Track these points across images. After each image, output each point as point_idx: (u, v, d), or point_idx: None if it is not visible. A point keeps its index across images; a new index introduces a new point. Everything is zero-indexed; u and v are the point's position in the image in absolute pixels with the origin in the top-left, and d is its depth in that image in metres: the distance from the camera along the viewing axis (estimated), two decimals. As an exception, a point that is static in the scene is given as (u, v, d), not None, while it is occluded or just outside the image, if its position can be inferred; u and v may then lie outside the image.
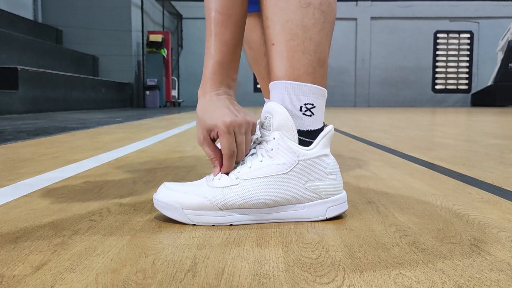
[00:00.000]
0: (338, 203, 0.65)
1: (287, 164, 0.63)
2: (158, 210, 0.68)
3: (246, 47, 1.09)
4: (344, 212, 0.68)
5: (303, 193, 0.63)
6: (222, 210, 0.62)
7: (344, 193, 0.67)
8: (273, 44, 0.67)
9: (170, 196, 0.63)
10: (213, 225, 0.62)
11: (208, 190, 0.63)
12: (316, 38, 0.66)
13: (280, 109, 0.63)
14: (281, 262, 0.48)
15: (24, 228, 0.60)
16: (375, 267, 0.47)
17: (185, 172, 1.09)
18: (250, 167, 0.63)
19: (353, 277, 0.44)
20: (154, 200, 0.65)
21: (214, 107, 0.65)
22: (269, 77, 0.69)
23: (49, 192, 0.84)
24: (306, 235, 0.58)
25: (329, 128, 0.66)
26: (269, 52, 0.68)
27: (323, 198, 0.64)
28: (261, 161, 0.64)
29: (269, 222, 0.64)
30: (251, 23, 1.01)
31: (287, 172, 0.63)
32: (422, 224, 0.63)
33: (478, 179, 1.00)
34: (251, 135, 0.67)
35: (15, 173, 1.04)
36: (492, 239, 0.56)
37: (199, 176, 1.01)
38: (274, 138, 0.64)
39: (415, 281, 0.43)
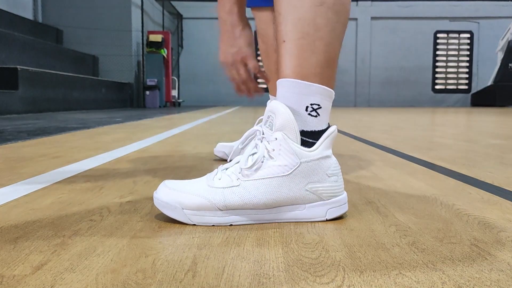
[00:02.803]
0: (338, 205, 0.65)
1: (289, 166, 0.62)
2: (158, 210, 0.68)
3: (260, 41, 1.12)
4: (344, 213, 0.68)
5: (304, 194, 0.63)
6: (222, 210, 0.62)
7: (345, 194, 0.67)
8: (284, 42, 0.66)
9: (170, 196, 0.63)
10: (213, 225, 0.62)
11: (208, 191, 0.62)
12: (326, 38, 0.65)
13: (284, 109, 0.63)
14: (281, 262, 0.48)
15: (24, 228, 0.60)
16: (375, 267, 0.47)
17: (185, 172, 1.09)
18: (251, 168, 0.63)
19: (353, 277, 0.44)
20: (154, 199, 0.65)
21: (221, 37, 0.88)
22: (277, 74, 0.69)
23: (49, 192, 0.84)
24: (306, 235, 0.58)
25: (332, 129, 0.65)
26: (279, 49, 0.67)
27: (324, 200, 0.64)
28: (262, 162, 0.63)
29: (269, 223, 0.64)
30: (268, 17, 1.03)
31: (288, 174, 0.62)
32: (422, 224, 0.63)
33: (478, 179, 0.99)
34: (248, 65, 0.85)
35: (15, 173, 1.04)
36: (492, 239, 0.56)
37: (199, 176, 1.01)
38: (276, 139, 0.63)
39: (415, 281, 0.43)
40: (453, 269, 0.46)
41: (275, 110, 0.63)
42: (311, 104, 0.64)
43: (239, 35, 0.88)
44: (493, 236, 0.58)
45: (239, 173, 0.63)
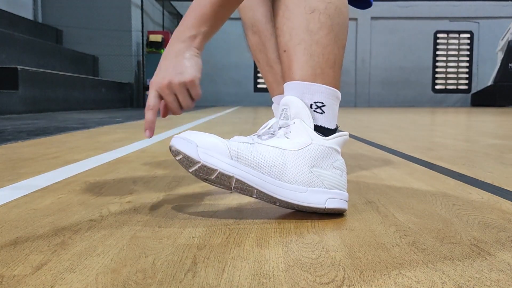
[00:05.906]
0: (339, 198, 0.66)
1: (300, 144, 0.66)
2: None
3: (249, 34, 1.03)
4: (344, 212, 0.68)
5: (308, 176, 0.65)
6: (232, 159, 0.64)
7: (347, 193, 0.68)
8: (284, 51, 0.72)
9: (191, 135, 0.65)
10: (217, 171, 0.62)
11: (225, 140, 0.66)
12: (323, 41, 0.69)
13: (296, 100, 0.68)
14: (281, 262, 0.48)
15: (24, 228, 0.60)
16: (375, 267, 0.47)
17: (185, 172, 1.09)
18: (265, 135, 0.69)
19: (353, 277, 0.44)
20: (174, 137, 0.66)
21: (165, 61, 0.69)
22: (283, 79, 0.74)
23: (49, 192, 0.84)
24: (306, 235, 0.58)
25: (345, 133, 0.70)
26: (281, 58, 0.74)
27: (326, 188, 0.66)
28: (278, 138, 0.68)
29: (268, 202, 0.65)
30: (253, 1, 0.98)
31: (298, 150, 0.66)
32: (422, 224, 0.63)
33: (478, 179, 0.99)
34: (192, 92, 0.69)
35: (15, 173, 1.04)
36: (492, 239, 0.56)
37: (199, 176, 1.01)
38: (294, 123, 0.68)
39: (415, 281, 0.43)
40: (453, 269, 0.46)
41: (288, 102, 0.69)
42: (315, 102, 0.68)
43: (189, 57, 0.69)
44: (493, 236, 0.58)
45: (253, 140, 0.68)
